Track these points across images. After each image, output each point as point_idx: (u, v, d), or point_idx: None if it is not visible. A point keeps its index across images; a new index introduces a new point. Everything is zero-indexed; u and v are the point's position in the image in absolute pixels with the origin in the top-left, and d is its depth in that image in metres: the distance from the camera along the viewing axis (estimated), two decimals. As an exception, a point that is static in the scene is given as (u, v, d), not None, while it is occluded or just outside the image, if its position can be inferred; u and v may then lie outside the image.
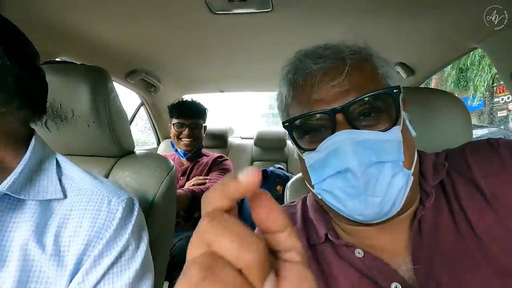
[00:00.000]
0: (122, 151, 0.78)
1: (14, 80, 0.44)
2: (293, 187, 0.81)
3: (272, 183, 1.63)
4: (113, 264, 0.44)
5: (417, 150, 0.45)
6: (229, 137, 2.29)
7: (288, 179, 1.62)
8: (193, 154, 1.64)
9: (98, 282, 0.42)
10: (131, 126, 1.19)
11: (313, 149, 0.42)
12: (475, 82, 8.54)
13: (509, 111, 9.43)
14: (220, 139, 2.18)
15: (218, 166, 1.63)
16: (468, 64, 8.53)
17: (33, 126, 0.53)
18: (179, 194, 1.32)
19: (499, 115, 9.64)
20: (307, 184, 0.48)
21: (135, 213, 0.49)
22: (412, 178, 0.41)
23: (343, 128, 0.40)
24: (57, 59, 1.09)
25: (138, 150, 0.85)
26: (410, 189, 0.41)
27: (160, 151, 2.08)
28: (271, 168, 1.71)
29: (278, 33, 1.06)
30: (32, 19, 0.86)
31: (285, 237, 0.18)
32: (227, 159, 1.72)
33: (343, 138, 0.39)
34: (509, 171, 0.40)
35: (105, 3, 0.84)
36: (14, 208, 0.43)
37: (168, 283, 1.20)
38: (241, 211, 1.63)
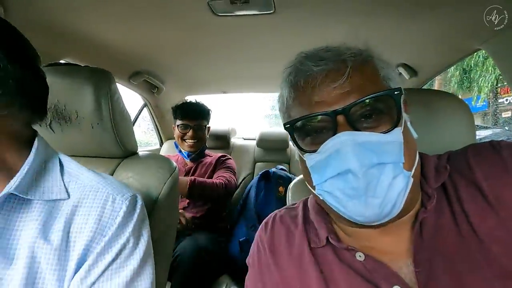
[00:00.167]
0: (126, 152, 0.79)
1: (15, 82, 0.44)
2: (295, 189, 0.81)
3: (274, 184, 1.62)
4: (113, 260, 0.44)
5: (418, 152, 0.45)
6: (231, 138, 2.29)
7: (290, 180, 1.62)
8: (197, 155, 1.66)
9: (98, 278, 0.43)
10: (134, 127, 1.20)
11: (314, 151, 0.43)
12: (479, 83, 8.48)
13: (514, 112, 9.36)
14: (222, 140, 2.19)
15: (222, 165, 1.65)
16: (472, 65, 8.48)
17: (37, 127, 0.54)
18: (181, 180, 1.31)
19: (503, 116, 9.56)
20: (308, 185, 0.48)
21: (137, 210, 0.50)
22: (412, 180, 0.41)
23: (344, 129, 0.40)
24: (62, 61, 1.10)
25: (141, 151, 0.85)
26: (411, 190, 0.41)
27: (163, 152, 2.09)
28: (273, 169, 1.71)
29: (280, 35, 1.06)
30: (37, 21, 0.87)
31: None
32: (230, 158, 1.73)
33: (344, 139, 0.39)
34: (511, 173, 0.40)
35: (109, 6, 0.85)
36: (21, 207, 0.44)
37: (170, 284, 1.21)
38: (244, 211, 1.63)
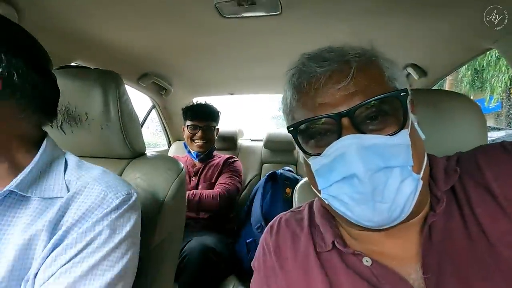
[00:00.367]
0: (134, 153, 0.80)
1: (32, 87, 0.47)
2: (301, 190, 0.80)
3: (281, 185, 1.62)
4: (81, 250, 0.44)
5: (427, 154, 0.44)
6: (238, 139, 2.30)
7: (297, 181, 1.61)
8: (205, 155, 1.68)
9: (59, 268, 0.43)
10: (142, 129, 1.22)
11: (319, 154, 0.42)
12: (492, 83, 8.28)
13: (528, 112, 9.11)
14: (229, 141, 2.19)
15: (228, 167, 1.67)
16: (484, 65, 8.29)
17: (49, 128, 0.56)
18: (188, 199, 1.40)
19: (517, 116, 9.32)
20: (314, 189, 0.47)
21: (124, 207, 0.50)
22: (421, 183, 0.40)
23: (349, 132, 0.39)
24: (72, 64, 1.12)
25: (149, 152, 0.86)
26: (420, 193, 0.40)
27: (171, 153, 2.11)
28: (280, 171, 1.70)
29: (286, 36, 1.06)
30: (49, 25, 0.89)
31: None
32: (237, 160, 1.75)
33: (349, 143, 0.38)
34: None
35: (118, 9, 0.86)
36: (20, 204, 0.46)
37: (177, 285, 1.21)
38: (251, 212, 1.63)
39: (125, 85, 0.78)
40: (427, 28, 0.99)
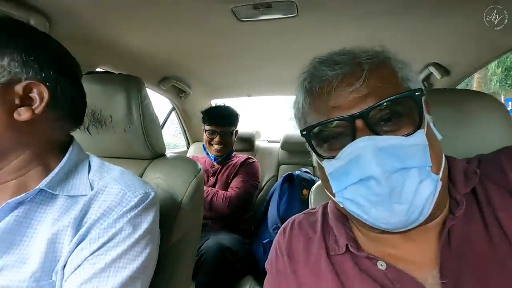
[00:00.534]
0: (154, 154, 0.83)
1: (70, 99, 0.54)
2: (317, 191, 0.80)
3: (298, 187, 1.61)
4: (104, 244, 0.48)
5: (445, 156, 0.43)
6: (256, 140, 2.31)
7: (314, 183, 1.60)
8: (223, 158, 1.70)
9: (86, 259, 0.46)
10: (162, 130, 1.26)
11: (333, 157, 0.42)
12: (525, 81, 7.78)
13: None
14: (247, 142, 2.21)
15: (245, 169, 1.68)
16: (516, 62, 7.82)
17: (76, 130, 0.61)
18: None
19: (553, 116, 8.69)
20: (328, 192, 0.47)
21: (142, 205, 0.53)
22: (440, 184, 0.39)
23: (363, 134, 0.39)
24: (98, 70, 1.18)
25: (169, 153, 0.89)
26: (438, 195, 0.39)
27: (190, 153, 2.16)
28: (297, 172, 1.70)
29: (302, 37, 1.06)
30: (77, 34, 0.95)
31: None
32: (254, 161, 1.75)
33: (364, 145, 0.38)
34: None
35: (139, 17, 0.90)
36: (48, 201, 0.50)
37: (195, 283, 1.24)
38: (267, 214, 1.63)
39: (146, 88, 0.81)
40: (449, 26, 0.95)
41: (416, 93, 0.39)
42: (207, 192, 1.53)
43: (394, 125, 0.40)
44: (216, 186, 1.65)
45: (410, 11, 0.88)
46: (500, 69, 8.46)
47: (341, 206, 0.43)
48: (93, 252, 0.47)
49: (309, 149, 0.46)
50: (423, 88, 0.40)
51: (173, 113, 2.12)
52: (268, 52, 1.24)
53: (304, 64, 0.48)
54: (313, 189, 0.82)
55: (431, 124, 0.43)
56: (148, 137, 0.78)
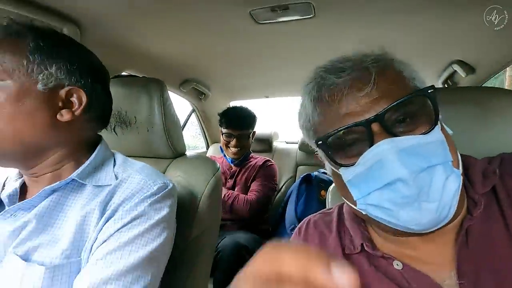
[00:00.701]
0: (175, 153, 0.87)
1: (102, 104, 0.62)
2: (335, 191, 0.80)
3: (316, 187, 1.61)
4: (126, 224, 0.52)
5: (463, 155, 0.42)
6: (274, 141, 2.32)
7: (332, 183, 1.59)
8: (240, 161, 1.71)
9: (111, 235, 0.51)
10: (183, 132, 1.30)
11: (352, 164, 0.41)
12: None
13: None
14: (265, 143, 2.23)
15: (264, 172, 1.68)
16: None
17: (104, 131, 0.67)
18: (223, 200, 1.46)
19: None
20: (346, 200, 0.46)
21: (162, 193, 0.58)
22: (461, 178, 0.38)
23: (382, 138, 0.38)
24: (123, 73, 1.24)
25: (189, 153, 0.93)
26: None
27: (209, 154, 2.21)
28: (315, 173, 1.69)
29: (320, 38, 1.07)
30: (106, 40, 1.01)
31: None
32: (273, 164, 1.75)
33: (385, 148, 0.37)
34: None
35: (162, 22, 0.95)
36: (78, 190, 0.56)
37: (213, 280, 1.27)
38: (285, 214, 1.64)
39: (168, 91, 0.85)
40: (474, 22, 0.92)
41: (429, 90, 0.39)
42: (228, 195, 1.54)
43: (410, 125, 0.39)
44: (236, 189, 1.67)
45: (431, 7, 0.86)
46: (536, 66, 7.92)
47: (364, 213, 0.42)
48: (117, 230, 0.52)
49: (323, 158, 0.45)
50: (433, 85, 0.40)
51: (193, 114, 2.18)
52: (286, 54, 1.26)
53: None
54: (330, 190, 0.82)
55: (441, 121, 0.42)
56: (169, 137, 0.82)
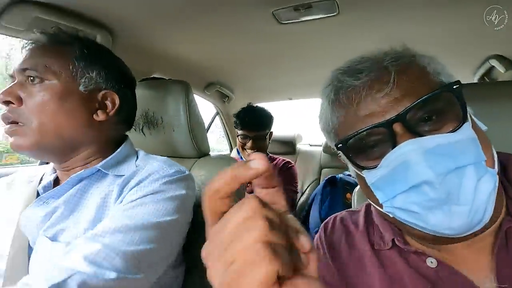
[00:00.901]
0: (200, 153, 0.88)
1: (130, 108, 0.69)
2: (360, 193, 0.78)
3: (341, 190, 1.56)
4: (141, 197, 0.55)
5: (499, 152, 0.39)
6: (297, 144, 2.30)
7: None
8: None
9: (127, 203, 0.54)
10: (208, 135, 1.33)
11: (374, 167, 0.40)
12: None
13: None
14: (288, 146, 2.22)
15: (285, 174, 1.64)
16: None
17: (132, 131, 0.72)
18: None
19: None
20: (373, 203, 0.45)
21: (178, 176, 0.60)
22: (497, 178, 0.36)
23: (405, 138, 0.36)
24: (152, 76, 1.30)
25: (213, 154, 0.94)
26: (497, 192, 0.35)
27: (232, 156, 2.23)
28: (340, 175, 1.65)
29: (344, 37, 1.05)
30: (135, 45, 1.06)
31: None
32: (292, 166, 1.71)
33: (409, 149, 0.36)
34: None
35: (188, 27, 0.98)
36: (101, 178, 0.61)
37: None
38: (309, 217, 1.61)
39: (194, 94, 0.88)
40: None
41: (455, 86, 0.37)
42: None
43: (436, 123, 0.37)
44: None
45: (465, 1, 0.81)
46: None
47: (391, 216, 0.41)
48: (132, 201, 0.55)
49: (345, 161, 0.44)
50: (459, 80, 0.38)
51: (217, 117, 2.22)
52: (309, 54, 1.24)
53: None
54: (356, 191, 0.80)
55: (473, 116, 0.39)
56: (194, 137, 0.84)
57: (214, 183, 0.21)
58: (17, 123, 0.56)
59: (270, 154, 1.80)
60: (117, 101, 0.63)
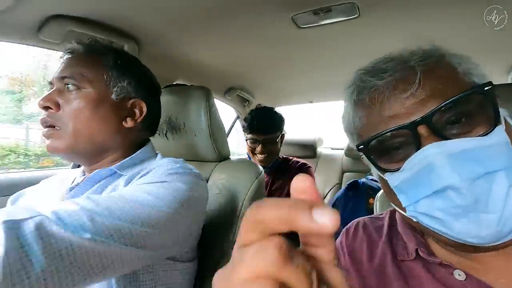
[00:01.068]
0: (220, 157, 0.90)
1: (155, 116, 0.74)
2: (383, 199, 0.76)
3: (364, 195, 1.52)
4: (146, 183, 0.55)
5: None
6: (318, 147, 2.27)
7: (382, 191, 1.49)
8: (269, 168, 1.56)
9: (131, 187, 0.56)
10: (229, 139, 1.35)
11: (397, 169, 0.39)
12: None
13: None
14: (309, 149, 2.19)
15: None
16: None
17: (156, 136, 0.75)
18: None
19: None
20: (395, 206, 0.43)
21: (186, 171, 0.61)
22: None
23: (430, 141, 0.35)
24: (174, 83, 1.35)
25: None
26: None
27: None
28: (363, 180, 1.60)
29: (365, 39, 1.03)
30: (160, 54, 1.10)
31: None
32: (310, 167, 1.63)
33: (434, 152, 0.34)
34: None
35: (208, 33, 1.01)
36: (116, 179, 0.63)
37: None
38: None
39: (214, 99, 0.90)
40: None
41: (486, 87, 0.35)
42: None
43: (465, 126, 0.36)
44: None
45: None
46: None
47: (415, 220, 0.40)
48: (138, 184, 0.56)
49: (367, 162, 0.44)
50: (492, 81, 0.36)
51: (238, 121, 2.24)
52: (329, 57, 1.23)
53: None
54: (378, 197, 0.78)
55: (508, 118, 0.37)
56: (214, 141, 0.86)
57: (261, 210, 0.16)
58: (54, 127, 0.60)
59: (284, 156, 1.73)
60: (145, 109, 0.67)
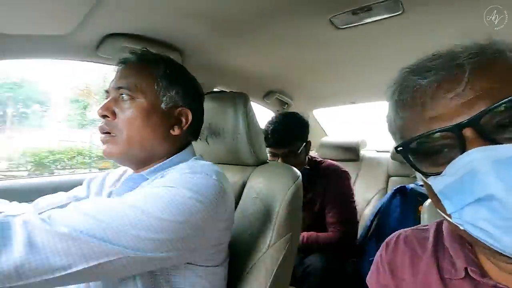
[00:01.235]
0: (258, 161, 0.92)
1: (197, 122, 0.74)
2: (432, 208, 0.70)
3: (412, 202, 1.41)
4: (161, 185, 0.55)
5: None
6: (361, 149, 2.17)
7: (433, 199, 1.36)
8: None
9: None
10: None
11: (439, 173, 0.36)
12: None
13: None
14: (352, 152, 2.11)
15: (335, 190, 1.41)
16: None
17: (198, 140, 0.78)
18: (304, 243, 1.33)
19: None
20: (441, 213, 0.40)
21: (202, 175, 0.58)
22: None
23: (476, 145, 0.32)
24: (214, 90, 1.41)
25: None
26: None
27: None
28: (411, 185, 1.49)
29: (410, 36, 0.96)
30: (201, 62, 1.17)
31: None
32: (344, 171, 1.48)
33: (479, 156, 0.32)
34: None
35: (248, 39, 1.04)
36: (143, 181, 0.66)
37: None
38: (377, 229, 1.50)
39: (252, 102, 0.92)
40: None
41: None
42: (305, 239, 1.34)
43: None
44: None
45: None
46: None
47: (462, 229, 0.36)
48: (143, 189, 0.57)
49: (408, 165, 0.41)
50: None
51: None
52: (371, 56, 1.18)
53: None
54: (426, 205, 0.72)
55: None
56: (252, 145, 0.88)
57: None
58: (110, 133, 0.66)
59: (315, 158, 1.57)
60: (190, 117, 0.70)
